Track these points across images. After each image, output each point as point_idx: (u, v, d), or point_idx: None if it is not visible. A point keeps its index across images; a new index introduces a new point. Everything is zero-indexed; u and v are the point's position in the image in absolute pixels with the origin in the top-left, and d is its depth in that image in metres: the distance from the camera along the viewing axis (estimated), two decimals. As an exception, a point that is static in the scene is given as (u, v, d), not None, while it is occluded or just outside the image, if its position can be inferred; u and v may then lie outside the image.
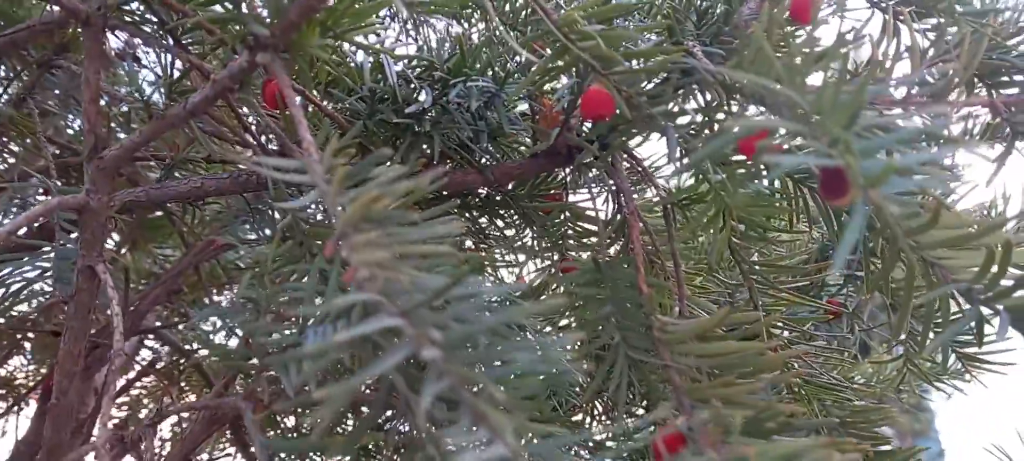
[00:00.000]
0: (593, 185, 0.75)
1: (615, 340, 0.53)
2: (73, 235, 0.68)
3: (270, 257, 0.52)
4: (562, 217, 0.75)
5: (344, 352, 0.35)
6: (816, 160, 0.33)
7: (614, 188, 0.76)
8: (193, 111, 0.51)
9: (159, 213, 1.11)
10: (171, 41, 0.58)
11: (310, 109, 0.63)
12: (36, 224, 0.76)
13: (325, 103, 0.64)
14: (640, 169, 0.65)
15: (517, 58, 0.66)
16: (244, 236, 1.21)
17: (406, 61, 0.64)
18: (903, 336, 1.05)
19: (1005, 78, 0.63)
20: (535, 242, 0.80)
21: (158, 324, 1.42)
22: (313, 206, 0.56)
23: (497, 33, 0.63)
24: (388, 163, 0.41)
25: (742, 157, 0.56)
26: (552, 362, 0.29)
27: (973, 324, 0.53)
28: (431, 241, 0.38)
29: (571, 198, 0.80)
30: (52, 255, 0.65)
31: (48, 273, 0.65)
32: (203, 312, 0.55)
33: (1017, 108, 0.56)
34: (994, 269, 0.48)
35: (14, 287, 0.64)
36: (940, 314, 0.56)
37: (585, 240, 0.79)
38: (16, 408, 1.42)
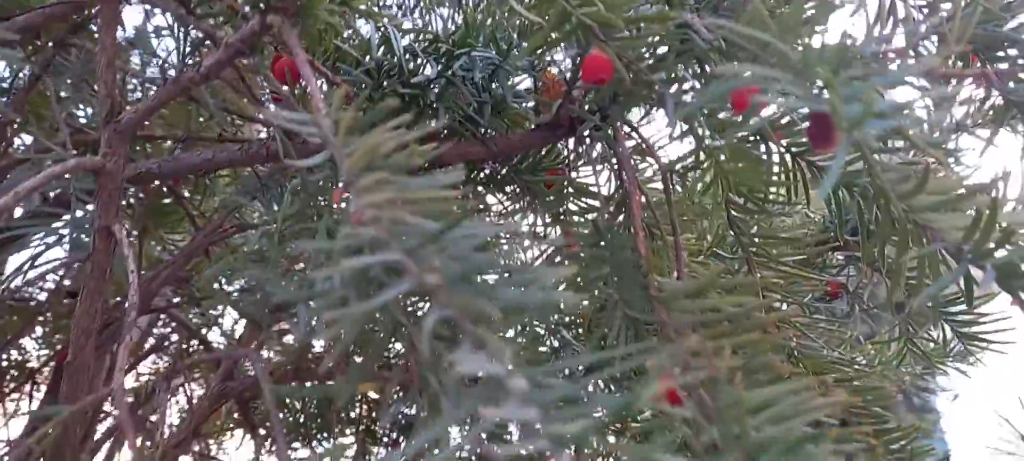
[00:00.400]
0: (596, 161, 0.76)
1: (614, 299, 0.54)
2: (89, 206, 0.70)
3: (281, 215, 0.54)
4: (564, 191, 0.76)
5: (350, 289, 0.36)
6: (802, 104, 0.35)
7: (616, 163, 0.78)
8: (206, 74, 0.52)
9: (168, 200, 1.13)
10: (184, 11, 0.60)
11: (320, 82, 0.65)
12: (52, 193, 0.78)
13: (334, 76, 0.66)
14: (641, 141, 0.67)
15: (519, 30, 0.68)
16: (254, 220, 1.23)
17: (412, 35, 0.65)
18: (904, 314, 1.06)
19: (999, 52, 0.64)
20: (537, 216, 0.81)
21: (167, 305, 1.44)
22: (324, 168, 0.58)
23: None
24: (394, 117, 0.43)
25: (736, 117, 0.58)
26: (547, 294, 0.31)
27: (962, 285, 0.54)
28: (434, 189, 0.39)
29: (573, 174, 0.81)
30: (69, 221, 0.67)
31: (65, 239, 0.67)
32: (213, 269, 0.57)
33: (1010, 80, 0.57)
34: (981, 228, 0.49)
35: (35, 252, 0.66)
36: (930, 276, 0.58)
37: (587, 215, 0.81)
38: (30, 388, 1.44)
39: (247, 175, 0.90)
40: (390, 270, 0.36)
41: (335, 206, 0.42)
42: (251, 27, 0.49)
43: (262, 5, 0.47)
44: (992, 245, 0.49)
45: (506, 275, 0.33)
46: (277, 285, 0.46)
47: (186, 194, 1.15)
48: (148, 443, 1.13)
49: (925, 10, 0.63)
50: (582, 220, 0.81)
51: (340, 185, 0.38)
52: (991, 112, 0.66)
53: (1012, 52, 0.62)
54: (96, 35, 0.80)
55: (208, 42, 0.62)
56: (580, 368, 0.49)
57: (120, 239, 0.57)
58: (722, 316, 0.50)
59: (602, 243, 0.58)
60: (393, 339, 0.38)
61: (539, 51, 0.66)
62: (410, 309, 0.42)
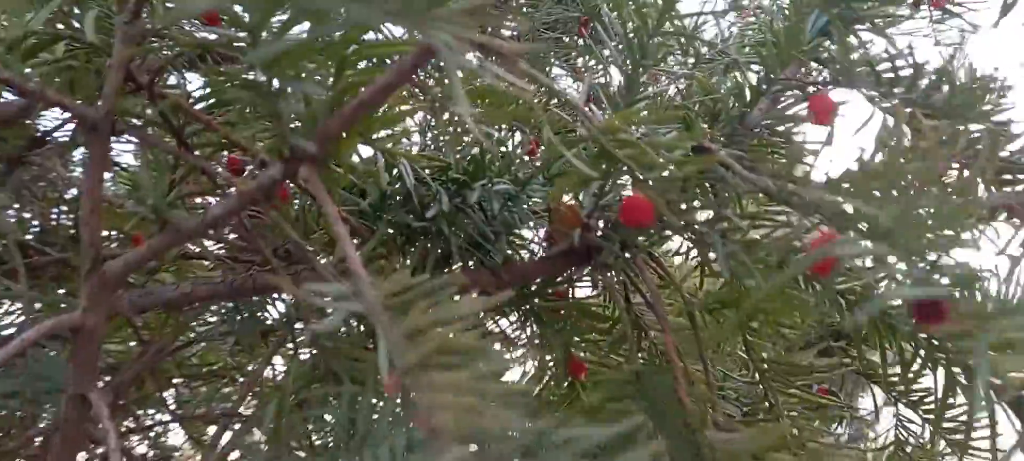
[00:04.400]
0: (606, 287, 0.73)
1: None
2: (50, 352, 0.62)
3: (291, 380, 0.48)
4: (572, 319, 0.73)
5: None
6: (923, 292, 0.32)
7: (618, 284, 0.75)
8: (213, 223, 0.47)
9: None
10: (177, 144, 0.55)
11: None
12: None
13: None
14: (664, 273, 0.64)
15: (530, 160, 0.65)
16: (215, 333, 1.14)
17: (422, 163, 0.62)
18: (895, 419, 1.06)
19: (1007, 176, 0.65)
20: (538, 341, 0.77)
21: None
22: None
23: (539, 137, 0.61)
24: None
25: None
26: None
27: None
28: (500, 373, 0.35)
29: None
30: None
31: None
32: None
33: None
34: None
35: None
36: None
37: (589, 337, 0.77)
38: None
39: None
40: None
41: (388, 394, 0.37)
42: (271, 176, 0.44)
43: (288, 156, 0.42)
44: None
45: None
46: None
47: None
48: None
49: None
50: (586, 342, 0.77)
51: (393, 373, 0.33)
52: None
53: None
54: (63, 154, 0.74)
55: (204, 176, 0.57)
56: None
57: (98, 409, 0.50)
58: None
59: (638, 394, 0.54)
60: None
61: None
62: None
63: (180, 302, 0.69)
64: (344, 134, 0.44)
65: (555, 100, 0.65)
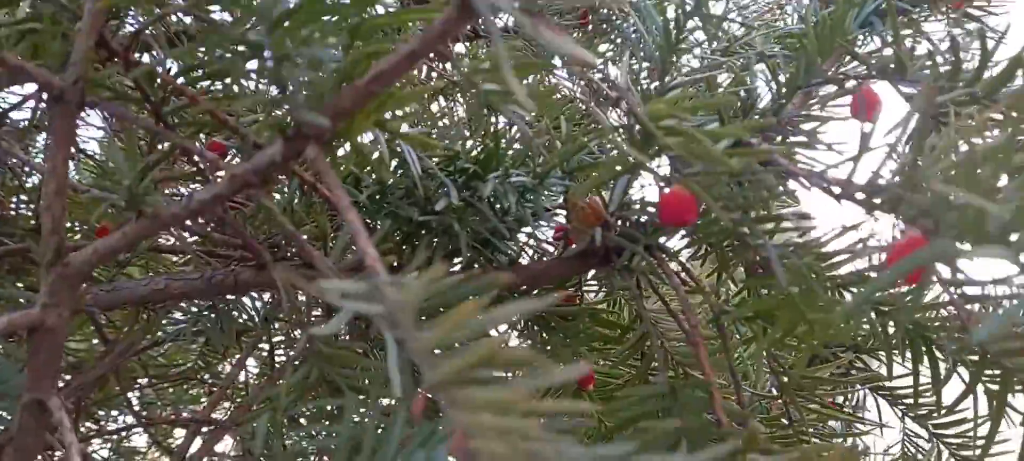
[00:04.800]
0: (619, 291, 0.68)
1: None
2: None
3: (284, 391, 0.42)
4: (583, 328, 0.67)
5: None
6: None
7: (631, 291, 0.70)
8: (199, 210, 0.41)
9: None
10: (156, 122, 0.48)
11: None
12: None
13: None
14: (690, 278, 0.59)
15: (544, 152, 0.60)
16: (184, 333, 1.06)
17: (431, 152, 0.56)
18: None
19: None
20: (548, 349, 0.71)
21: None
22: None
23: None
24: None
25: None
26: None
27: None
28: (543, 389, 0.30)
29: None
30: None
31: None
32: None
33: None
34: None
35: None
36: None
37: (600, 345, 0.72)
38: None
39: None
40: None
41: (413, 414, 0.31)
42: (270, 156, 0.38)
43: (292, 133, 0.36)
44: None
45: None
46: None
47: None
48: None
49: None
50: (598, 351, 0.72)
51: (420, 396, 0.28)
52: None
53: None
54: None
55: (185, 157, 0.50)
56: None
57: (59, 418, 0.43)
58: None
59: (671, 409, 0.49)
60: None
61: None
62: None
63: (153, 299, 0.62)
64: (357, 112, 0.38)
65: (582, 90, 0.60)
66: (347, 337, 0.51)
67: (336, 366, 0.43)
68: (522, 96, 0.30)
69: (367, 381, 0.44)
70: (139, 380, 1.30)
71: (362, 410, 0.40)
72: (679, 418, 0.48)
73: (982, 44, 0.46)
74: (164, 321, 0.93)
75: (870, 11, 0.58)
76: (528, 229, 0.62)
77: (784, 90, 0.58)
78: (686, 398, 0.48)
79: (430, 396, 0.34)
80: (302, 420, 0.42)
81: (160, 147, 0.53)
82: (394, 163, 0.58)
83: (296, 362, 0.44)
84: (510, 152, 0.56)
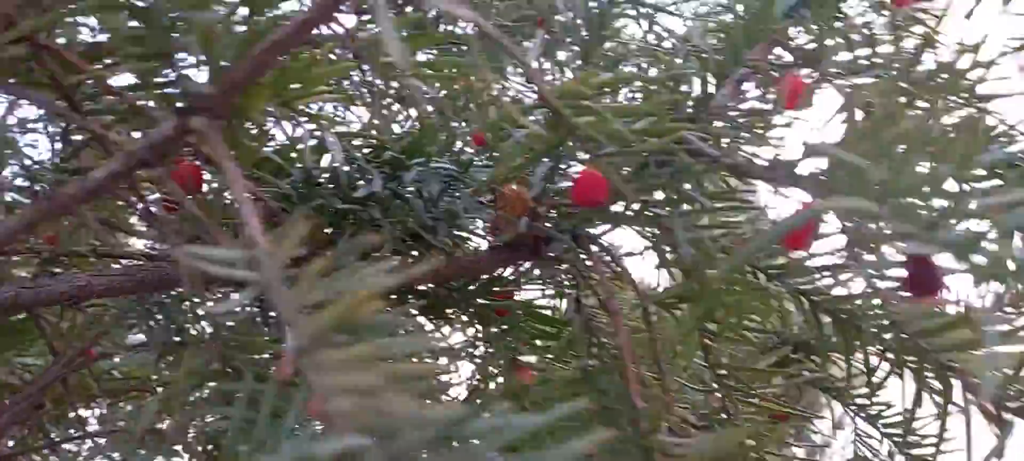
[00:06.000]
0: (553, 284, 0.68)
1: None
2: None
3: (182, 375, 0.41)
4: (519, 321, 0.67)
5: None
6: (916, 249, 0.27)
7: (567, 283, 0.70)
8: (96, 190, 0.40)
9: (23, 315, 0.94)
10: (66, 105, 0.47)
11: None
12: None
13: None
14: (617, 266, 0.58)
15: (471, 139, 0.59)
16: (127, 341, 1.05)
17: (354, 140, 0.55)
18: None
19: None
20: (484, 345, 0.71)
21: (13, 447, 1.21)
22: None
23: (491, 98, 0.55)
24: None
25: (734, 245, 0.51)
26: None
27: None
28: (421, 356, 0.29)
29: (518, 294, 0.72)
30: None
31: None
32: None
33: None
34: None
35: None
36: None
37: (537, 341, 0.71)
38: None
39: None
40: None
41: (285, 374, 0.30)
42: (163, 132, 0.37)
43: (183, 105, 0.36)
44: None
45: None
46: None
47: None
48: None
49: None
50: (532, 347, 0.71)
51: (287, 358, 0.27)
52: None
53: None
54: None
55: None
56: None
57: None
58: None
59: (587, 393, 0.48)
60: None
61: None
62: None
63: (77, 296, 0.61)
64: (251, 85, 0.37)
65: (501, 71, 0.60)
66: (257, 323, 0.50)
67: (237, 349, 0.42)
68: (396, 53, 0.29)
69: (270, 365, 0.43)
70: (95, 396, 1.27)
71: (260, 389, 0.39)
72: (594, 401, 0.48)
73: (895, 32, 0.47)
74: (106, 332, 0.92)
75: (794, 4, 0.58)
76: (466, 221, 0.62)
77: (712, 79, 0.58)
78: (602, 383, 0.48)
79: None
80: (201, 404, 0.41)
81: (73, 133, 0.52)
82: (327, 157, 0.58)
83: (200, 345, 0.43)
84: (435, 142, 0.55)
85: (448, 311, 0.69)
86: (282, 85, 0.40)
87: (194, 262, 0.29)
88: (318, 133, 0.52)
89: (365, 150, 0.56)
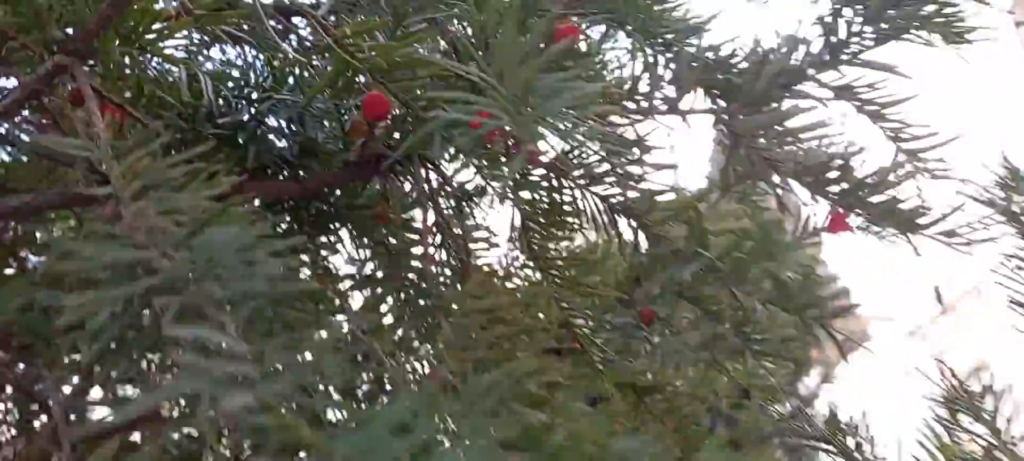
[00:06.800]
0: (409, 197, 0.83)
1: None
2: None
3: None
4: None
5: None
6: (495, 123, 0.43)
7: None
8: (3, 112, 0.56)
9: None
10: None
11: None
12: None
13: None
14: (439, 176, 0.74)
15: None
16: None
17: (229, 79, 0.71)
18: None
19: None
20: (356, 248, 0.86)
21: None
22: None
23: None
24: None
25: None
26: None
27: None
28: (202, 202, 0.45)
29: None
30: None
31: None
32: None
33: (732, 113, 0.69)
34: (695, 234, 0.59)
35: None
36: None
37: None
38: None
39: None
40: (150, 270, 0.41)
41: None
42: (45, 67, 0.53)
43: (54, 48, 0.52)
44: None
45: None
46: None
47: None
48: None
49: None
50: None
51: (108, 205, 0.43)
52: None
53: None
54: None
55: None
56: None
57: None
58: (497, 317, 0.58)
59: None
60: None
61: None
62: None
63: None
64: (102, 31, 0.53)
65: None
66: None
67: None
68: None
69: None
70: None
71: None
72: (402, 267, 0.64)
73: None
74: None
75: None
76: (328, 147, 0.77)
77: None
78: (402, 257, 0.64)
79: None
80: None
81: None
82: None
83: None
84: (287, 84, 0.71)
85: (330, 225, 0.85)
86: (134, 33, 0.55)
87: (45, 145, 0.45)
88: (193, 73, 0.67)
89: (230, 85, 0.72)
